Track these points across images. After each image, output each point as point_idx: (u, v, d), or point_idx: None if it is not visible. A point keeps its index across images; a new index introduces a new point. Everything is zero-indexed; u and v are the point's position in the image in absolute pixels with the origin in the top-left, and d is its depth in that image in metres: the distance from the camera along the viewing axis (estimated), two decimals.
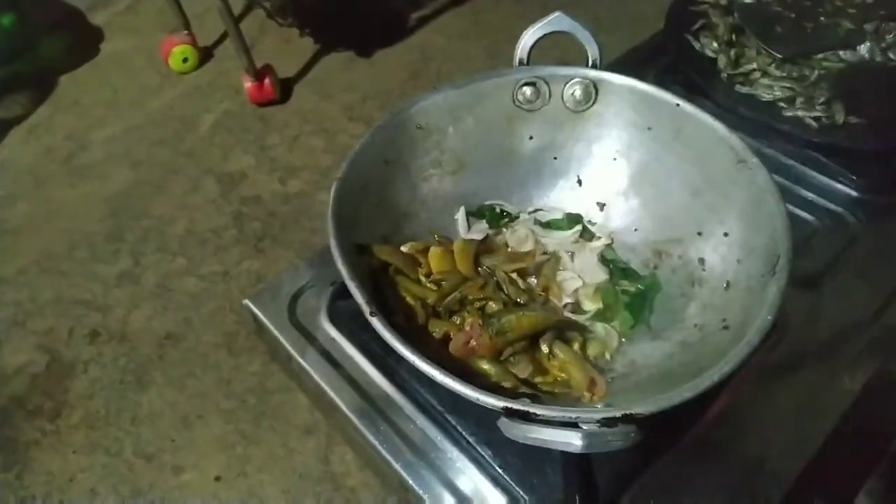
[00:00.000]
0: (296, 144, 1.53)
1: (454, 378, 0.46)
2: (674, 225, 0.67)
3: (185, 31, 1.76)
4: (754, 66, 0.87)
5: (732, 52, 0.91)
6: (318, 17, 1.88)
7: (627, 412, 0.43)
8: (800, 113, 0.81)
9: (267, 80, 1.58)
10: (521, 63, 0.67)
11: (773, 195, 0.56)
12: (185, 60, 1.76)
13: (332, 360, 0.67)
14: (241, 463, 0.95)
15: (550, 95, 0.69)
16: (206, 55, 1.82)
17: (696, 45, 0.94)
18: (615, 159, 0.71)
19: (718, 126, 0.62)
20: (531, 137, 0.71)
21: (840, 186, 0.79)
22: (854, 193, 0.78)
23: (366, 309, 0.49)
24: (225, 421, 1.01)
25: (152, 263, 1.29)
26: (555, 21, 0.66)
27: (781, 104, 0.84)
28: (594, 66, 0.68)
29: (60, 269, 1.30)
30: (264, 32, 1.88)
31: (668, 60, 0.96)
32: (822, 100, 0.82)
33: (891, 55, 0.86)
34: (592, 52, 0.67)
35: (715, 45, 0.92)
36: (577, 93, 0.68)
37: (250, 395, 1.03)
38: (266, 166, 1.47)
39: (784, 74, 0.86)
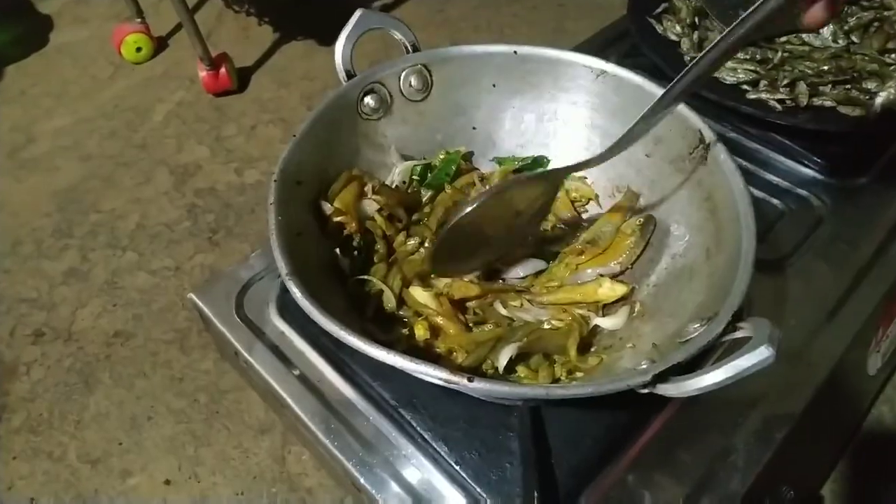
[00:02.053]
0: (253, 134, 1.48)
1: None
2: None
3: (139, 20, 1.70)
4: None
5: (695, 35, 0.90)
6: (278, 5, 1.84)
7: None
8: (763, 95, 0.80)
9: (223, 69, 1.53)
10: (348, 76, 0.64)
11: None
12: (138, 50, 1.70)
13: (282, 355, 0.64)
14: (193, 465, 0.91)
15: (391, 96, 0.66)
16: (160, 44, 1.76)
17: (659, 29, 0.92)
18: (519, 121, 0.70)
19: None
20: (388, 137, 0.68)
21: (804, 169, 0.78)
22: (819, 176, 0.78)
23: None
24: (175, 421, 0.96)
25: (101, 259, 1.24)
26: (361, 21, 0.63)
27: (745, 87, 0.82)
28: (415, 49, 0.66)
29: (3, 267, 1.24)
30: (221, 21, 1.83)
31: (630, 44, 0.94)
32: (785, 82, 0.80)
33: (853, 38, 0.85)
34: (407, 37, 0.66)
35: (678, 28, 0.91)
36: (413, 81, 0.66)
37: (202, 393, 0.99)
38: (222, 157, 1.43)
39: (747, 57, 0.84)
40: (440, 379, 0.43)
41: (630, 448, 0.56)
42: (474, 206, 0.54)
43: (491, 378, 0.54)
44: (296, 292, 0.47)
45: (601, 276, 0.61)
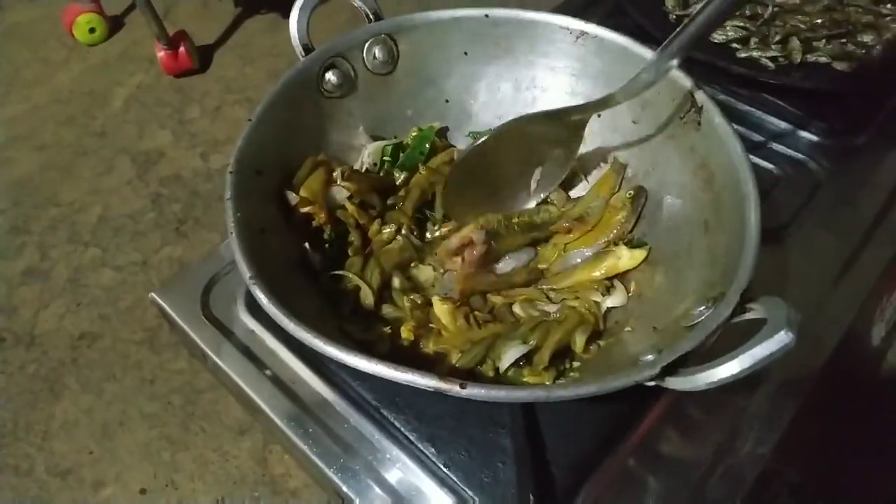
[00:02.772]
0: (218, 116, 1.42)
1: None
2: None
3: None
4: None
5: None
6: None
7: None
8: (755, 53, 0.75)
9: (182, 48, 1.46)
10: (306, 50, 0.58)
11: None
12: (91, 31, 1.62)
13: (252, 355, 0.59)
14: (170, 471, 0.87)
15: (355, 71, 0.61)
16: (115, 24, 1.69)
17: None
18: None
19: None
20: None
21: (800, 131, 0.74)
22: (815, 138, 0.73)
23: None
24: (149, 426, 0.92)
25: (62, 256, 1.18)
26: None
27: (735, 45, 0.77)
28: (378, 18, 0.61)
29: None
30: None
31: (613, 4, 0.89)
32: (777, 38, 0.76)
33: None
34: (368, 4, 0.61)
35: None
36: (378, 53, 0.61)
37: (176, 395, 0.94)
38: (186, 142, 1.37)
39: (737, 13, 0.80)
40: (429, 387, 0.39)
41: (630, 437, 0.53)
42: (489, 137, 0.52)
43: (486, 382, 0.50)
44: (261, 298, 0.43)
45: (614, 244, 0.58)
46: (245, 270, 0.45)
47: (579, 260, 0.59)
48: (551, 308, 0.56)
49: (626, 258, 0.56)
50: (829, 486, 0.61)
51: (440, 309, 0.55)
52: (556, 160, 0.57)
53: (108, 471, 0.88)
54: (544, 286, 0.58)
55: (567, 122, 0.56)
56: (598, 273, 0.57)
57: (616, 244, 0.57)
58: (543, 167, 0.56)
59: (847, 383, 0.61)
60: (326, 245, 0.57)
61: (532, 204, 0.61)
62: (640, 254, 0.56)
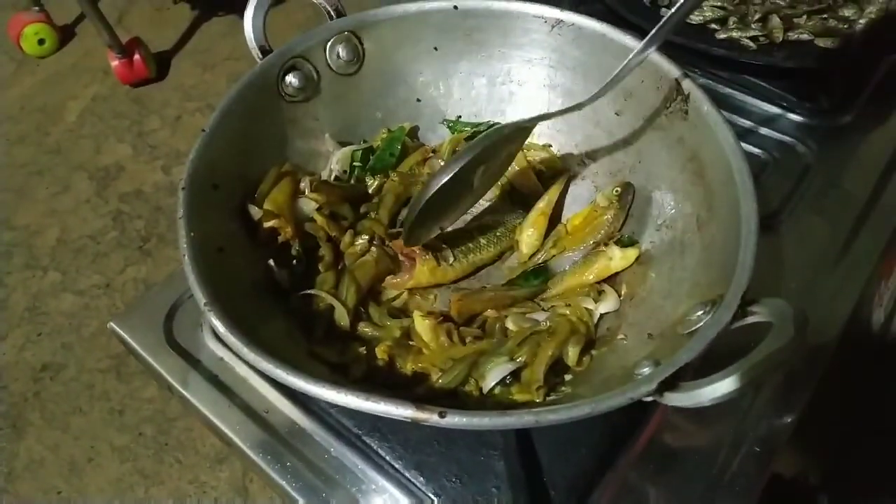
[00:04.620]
0: (179, 126, 1.38)
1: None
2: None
3: (36, 8, 1.54)
4: None
5: None
6: None
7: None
8: (734, 34, 0.73)
9: (137, 56, 1.41)
10: (263, 52, 0.55)
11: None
12: (41, 42, 1.56)
13: (222, 384, 0.56)
14: None
15: (318, 72, 0.57)
16: (66, 34, 1.62)
17: None
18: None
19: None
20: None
21: (785, 113, 0.72)
22: (801, 119, 0.71)
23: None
24: (120, 460, 0.87)
25: (19, 283, 1.12)
26: None
27: (713, 26, 0.75)
28: (339, 14, 0.58)
29: None
30: (132, 2, 1.68)
31: None
32: (757, 17, 0.73)
33: None
34: (330, 1, 0.57)
35: None
36: (342, 52, 0.58)
37: (148, 425, 0.90)
38: (146, 155, 1.32)
39: None
40: (405, 418, 0.36)
41: (630, 449, 0.50)
42: (450, 174, 0.48)
43: (471, 403, 0.47)
44: (218, 325, 0.40)
45: (604, 244, 0.55)
46: (200, 296, 0.41)
47: (567, 266, 0.55)
48: (541, 316, 0.52)
49: (617, 258, 0.54)
50: (835, 478, 0.60)
51: (421, 325, 0.51)
52: (500, 159, 0.55)
53: None
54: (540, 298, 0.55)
55: (521, 132, 0.53)
56: (590, 276, 0.54)
57: (606, 244, 0.54)
58: (486, 165, 0.53)
59: (851, 374, 0.58)
60: (294, 262, 0.54)
61: (475, 203, 0.58)
62: (632, 252, 0.53)
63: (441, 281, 0.55)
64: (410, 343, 0.51)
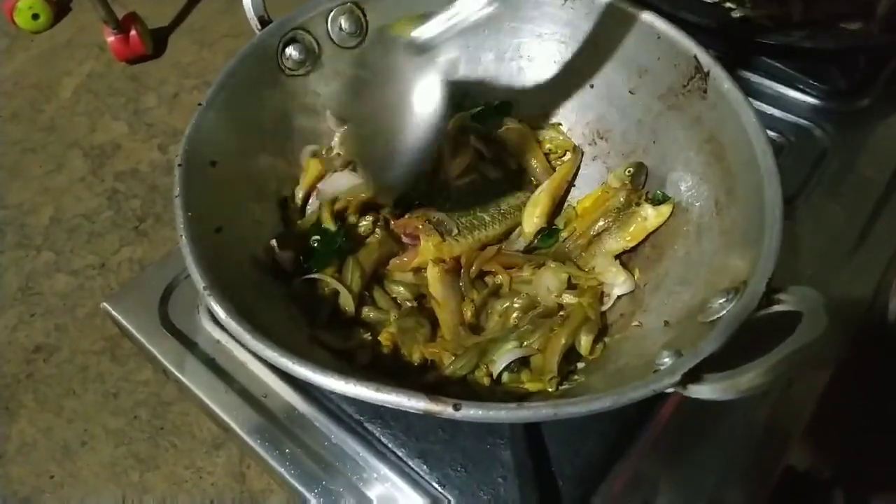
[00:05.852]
0: (176, 103, 1.36)
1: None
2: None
3: None
4: None
5: None
6: None
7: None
8: (750, 13, 0.71)
9: (133, 32, 1.39)
10: (262, 23, 0.54)
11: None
12: (35, 17, 1.54)
13: (219, 368, 0.55)
14: (140, 493, 0.83)
15: (319, 44, 0.56)
16: (60, 9, 1.60)
17: None
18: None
19: None
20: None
21: (802, 96, 0.70)
22: (818, 102, 0.70)
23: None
24: (115, 444, 0.87)
25: (12, 262, 1.12)
26: None
27: (728, 4, 0.73)
28: None
29: None
30: None
31: None
32: None
33: None
34: None
35: None
36: (344, 24, 0.56)
37: (143, 408, 0.89)
38: (142, 133, 1.31)
39: None
40: (418, 410, 0.35)
41: (640, 440, 0.50)
42: None
43: (481, 391, 0.47)
44: (219, 311, 0.39)
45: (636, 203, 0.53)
46: (199, 279, 0.40)
47: (595, 233, 0.54)
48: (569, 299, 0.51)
49: (652, 216, 0.52)
50: (849, 471, 0.59)
51: (432, 273, 0.51)
52: None
53: (72, 495, 0.84)
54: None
55: None
56: (627, 238, 0.53)
57: (637, 204, 0.53)
58: None
59: (867, 366, 0.57)
60: (339, 243, 0.53)
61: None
62: (665, 208, 0.52)
63: (447, 256, 0.53)
64: (420, 326, 0.50)
